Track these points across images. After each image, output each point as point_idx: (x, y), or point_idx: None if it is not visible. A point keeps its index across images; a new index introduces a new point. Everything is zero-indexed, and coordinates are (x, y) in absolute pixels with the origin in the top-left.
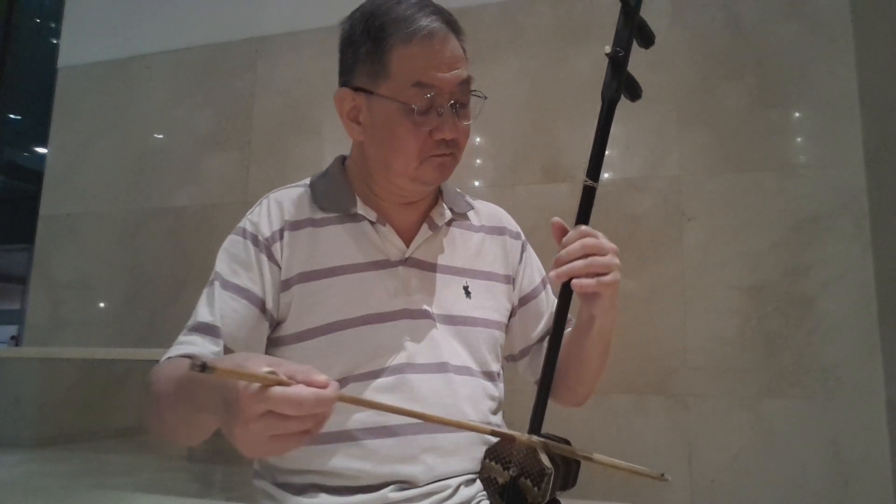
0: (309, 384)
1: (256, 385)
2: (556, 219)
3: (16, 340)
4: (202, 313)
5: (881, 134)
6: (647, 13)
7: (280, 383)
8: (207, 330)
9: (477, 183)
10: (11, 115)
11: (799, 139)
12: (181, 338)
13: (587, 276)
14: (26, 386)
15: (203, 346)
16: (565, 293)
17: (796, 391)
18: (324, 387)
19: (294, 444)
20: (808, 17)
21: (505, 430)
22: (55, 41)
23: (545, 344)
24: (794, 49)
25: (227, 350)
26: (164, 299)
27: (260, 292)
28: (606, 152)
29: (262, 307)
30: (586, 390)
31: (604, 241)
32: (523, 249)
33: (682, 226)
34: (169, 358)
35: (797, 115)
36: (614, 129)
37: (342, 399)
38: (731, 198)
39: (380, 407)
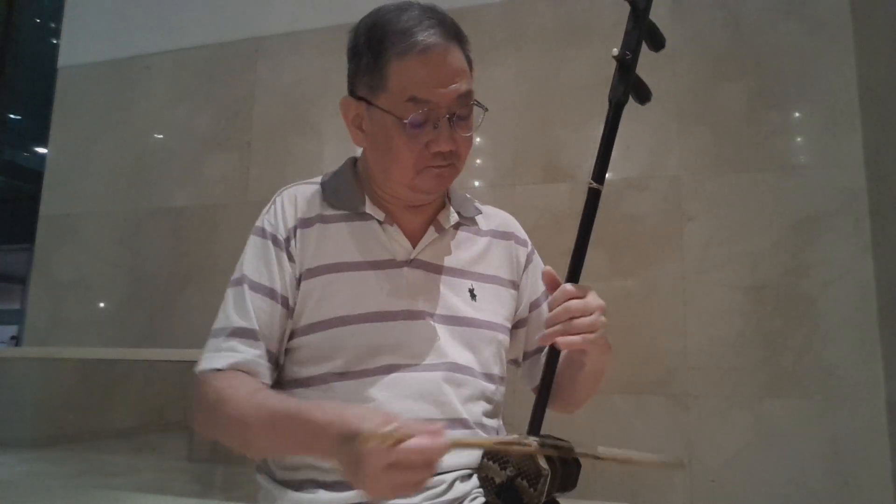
0: (426, 435)
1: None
2: (547, 268)
3: (16, 340)
4: (236, 317)
5: (881, 134)
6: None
7: (403, 439)
8: (246, 334)
9: (477, 183)
10: (11, 115)
11: (799, 139)
12: (220, 343)
13: (573, 335)
14: (26, 386)
15: (247, 352)
16: (552, 352)
17: (796, 391)
18: (437, 435)
19: (416, 489)
20: (808, 17)
21: (505, 438)
22: (55, 41)
23: (542, 356)
24: (794, 49)
25: (267, 352)
26: (164, 299)
27: (282, 290)
28: None
29: (286, 304)
30: (576, 406)
31: (590, 299)
32: (530, 257)
33: (682, 226)
34: (217, 370)
35: (797, 115)
36: None
37: (456, 445)
38: (731, 198)
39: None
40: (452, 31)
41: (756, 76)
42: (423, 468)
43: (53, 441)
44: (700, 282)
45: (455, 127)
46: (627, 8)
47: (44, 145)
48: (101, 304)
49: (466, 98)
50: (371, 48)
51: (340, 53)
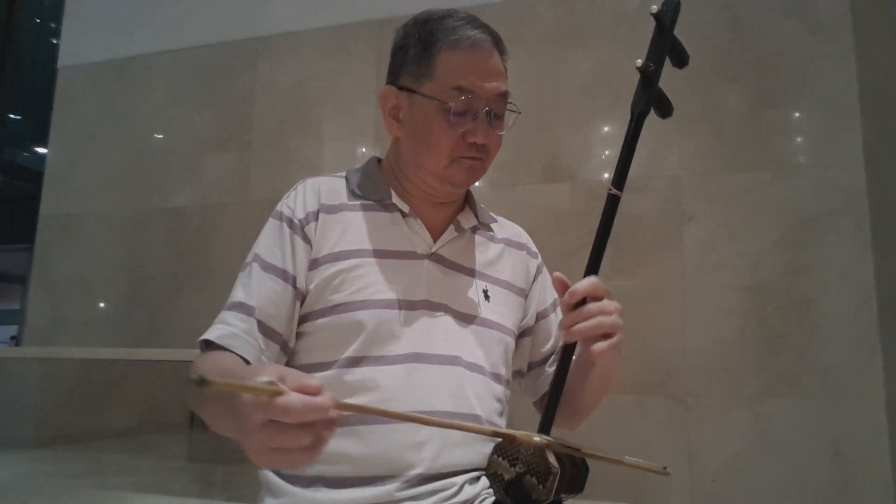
0: (299, 390)
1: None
2: (557, 273)
3: (16, 340)
4: (238, 293)
5: (881, 134)
6: (647, 11)
7: (275, 393)
8: (240, 308)
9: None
10: (11, 115)
11: (799, 139)
12: (220, 316)
13: (595, 338)
14: (26, 386)
15: (236, 325)
16: (567, 350)
17: (796, 391)
18: (315, 393)
19: (298, 459)
20: (808, 17)
21: (510, 431)
22: (55, 41)
23: (547, 367)
24: (794, 49)
25: (263, 326)
26: (164, 299)
27: (293, 271)
28: (607, 152)
29: (295, 285)
30: (581, 416)
31: (607, 302)
32: (539, 269)
33: (682, 226)
34: (206, 341)
35: (797, 115)
36: (615, 129)
37: (340, 408)
38: (731, 198)
39: (384, 414)
40: (497, 39)
41: (756, 76)
42: (301, 431)
43: (53, 441)
44: (700, 282)
45: (490, 123)
46: (627, 7)
47: (44, 145)
48: (101, 304)
49: (504, 98)
50: (421, 40)
51: (340, 53)
